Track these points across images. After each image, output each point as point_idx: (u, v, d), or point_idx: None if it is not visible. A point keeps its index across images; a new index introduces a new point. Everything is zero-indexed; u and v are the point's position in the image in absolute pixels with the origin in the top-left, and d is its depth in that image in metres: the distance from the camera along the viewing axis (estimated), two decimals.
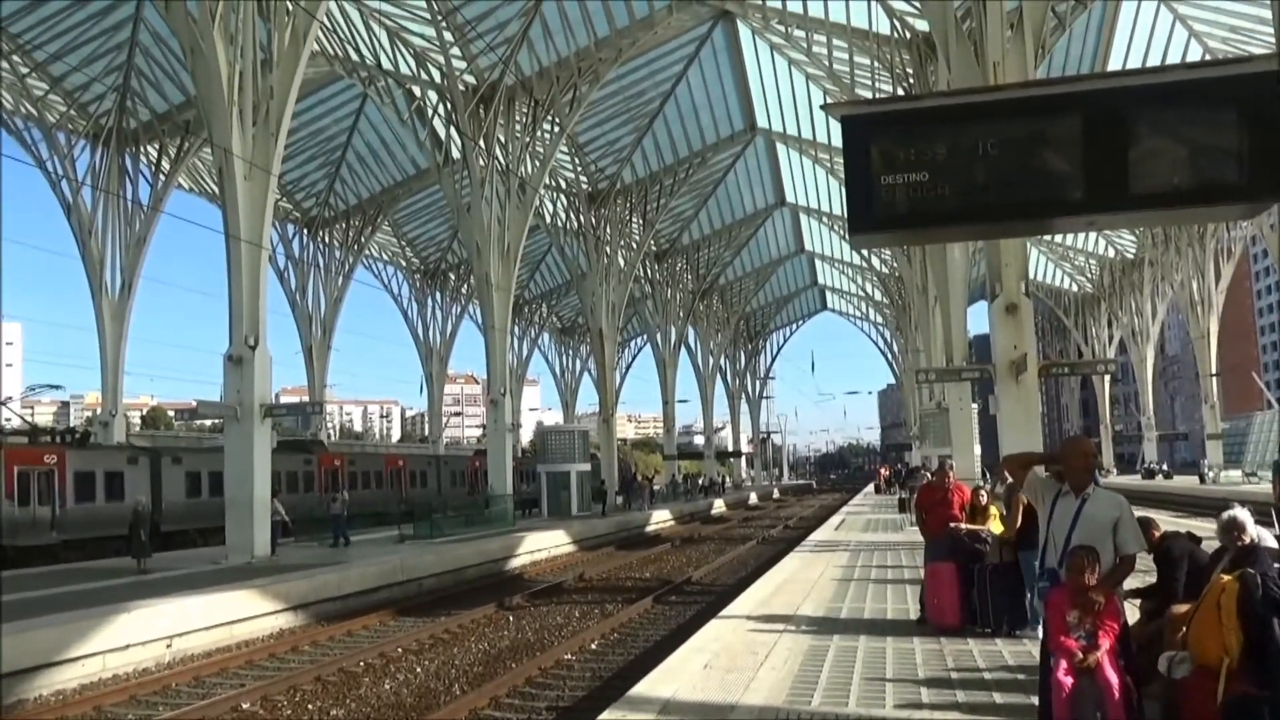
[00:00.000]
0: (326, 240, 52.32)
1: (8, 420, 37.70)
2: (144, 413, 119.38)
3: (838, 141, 4.38)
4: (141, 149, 39.61)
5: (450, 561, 23.30)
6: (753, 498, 72.35)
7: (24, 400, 42.62)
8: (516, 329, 69.87)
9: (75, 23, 33.68)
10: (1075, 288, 77.38)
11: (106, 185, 38.12)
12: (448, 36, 35.05)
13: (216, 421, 44.04)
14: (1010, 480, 9.10)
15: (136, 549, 21.17)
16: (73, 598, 15.95)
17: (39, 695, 12.23)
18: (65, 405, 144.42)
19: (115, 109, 38.07)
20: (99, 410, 42.21)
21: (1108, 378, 76.83)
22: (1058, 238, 63.61)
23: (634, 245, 54.03)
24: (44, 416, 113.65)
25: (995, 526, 10.54)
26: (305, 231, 51.60)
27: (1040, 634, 6.13)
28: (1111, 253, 70.42)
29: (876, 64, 34.46)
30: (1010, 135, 4.04)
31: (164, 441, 48.65)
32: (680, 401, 71.92)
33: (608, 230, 50.76)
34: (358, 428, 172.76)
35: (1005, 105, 4.15)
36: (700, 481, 69.01)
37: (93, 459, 29.17)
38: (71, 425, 50.36)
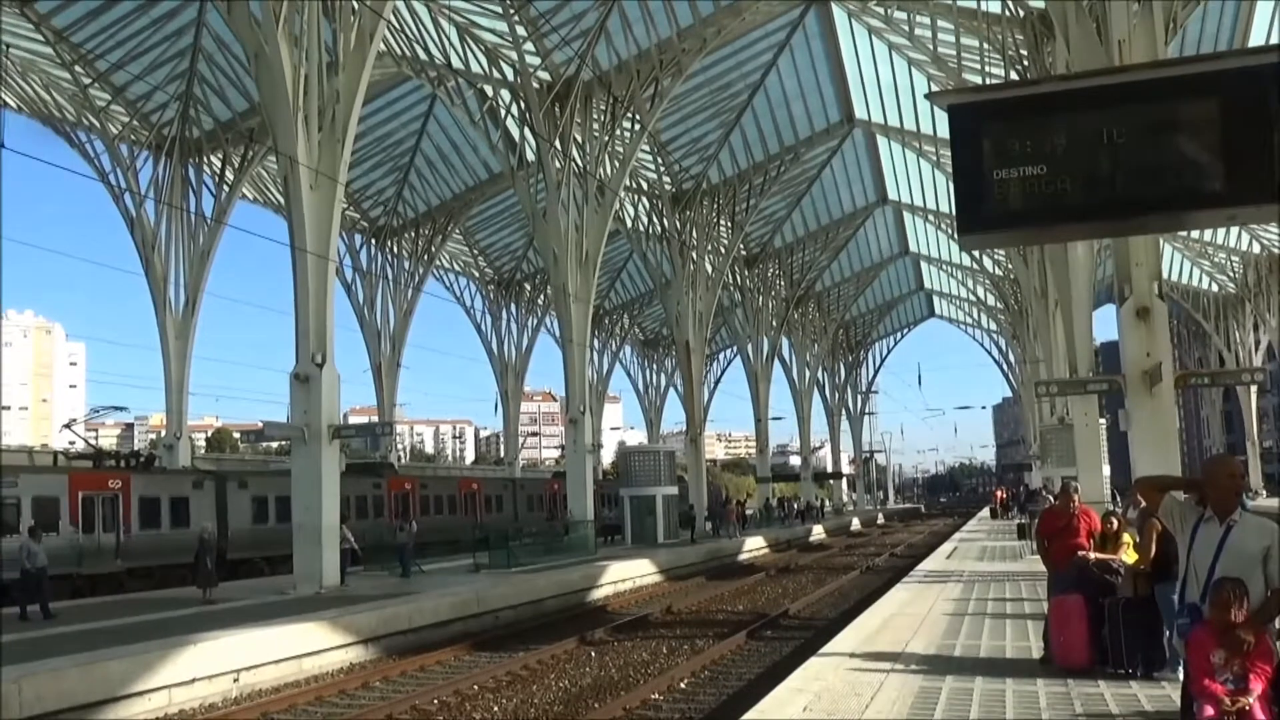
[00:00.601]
0: (395, 251, 53.36)
1: (71, 444, 39.16)
2: (209, 434, 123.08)
3: (944, 133, 4.33)
4: (205, 159, 40.97)
5: (528, 592, 23.46)
6: (855, 523, 71.53)
7: (88, 423, 44.10)
8: (596, 342, 70.26)
9: (137, 30, 34.93)
10: (1215, 288, 74.89)
11: (169, 198, 39.46)
12: (521, 31, 35.55)
13: (283, 444, 45.41)
14: (1144, 505, 8.83)
15: (202, 578, 21.77)
16: (138, 629, 16.46)
17: None
18: (129, 427, 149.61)
19: (178, 118, 39.44)
20: (163, 432, 43.65)
21: (1254, 388, 74.14)
22: (1194, 233, 61.69)
23: (722, 250, 53.99)
24: (108, 439, 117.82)
25: (1128, 556, 10.24)
26: (373, 242, 52.70)
27: (1180, 676, 5.92)
28: (1256, 248, 67.98)
29: (986, 46, 33.90)
30: (1139, 122, 3.93)
31: (229, 465, 50.10)
32: (774, 419, 71.63)
33: (693, 234, 50.81)
34: (429, 449, 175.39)
35: (1133, 88, 4.04)
36: (796, 505, 68.50)
37: (158, 484, 30.13)
38: (136, 448, 52.11)
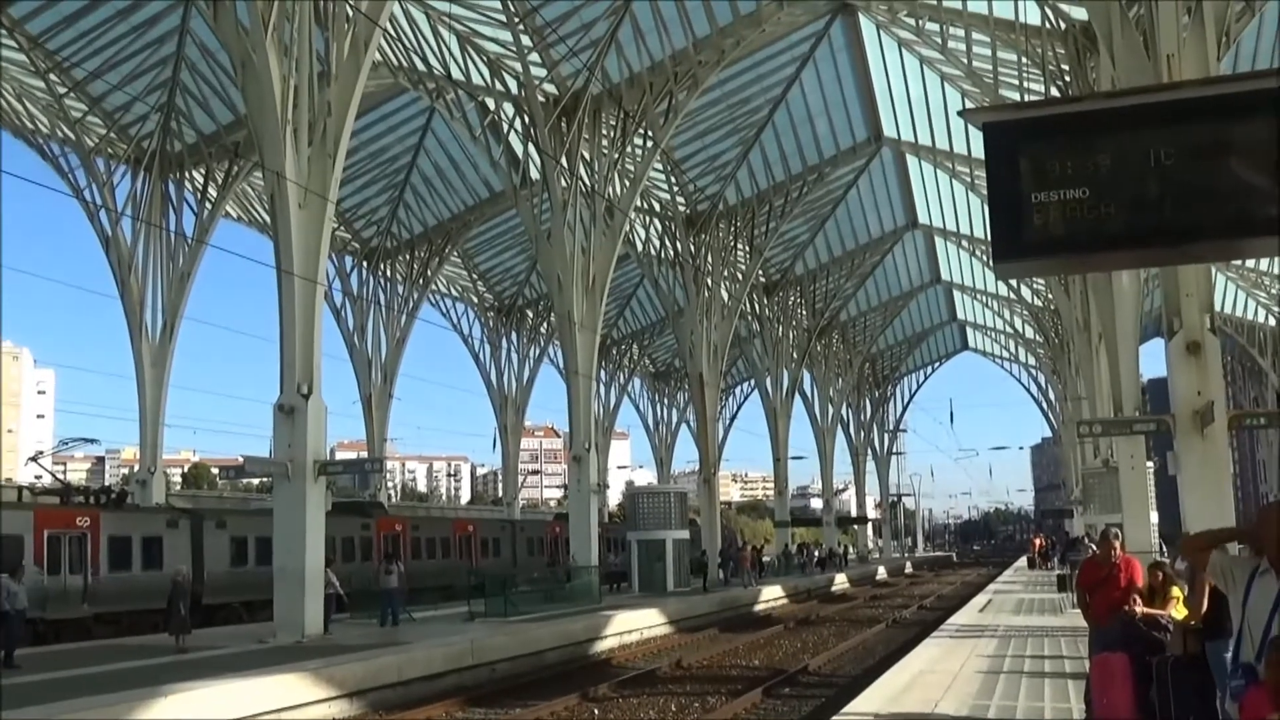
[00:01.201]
0: (388, 274, 53.57)
1: (38, 478, 39.28)
2: (185, 469, 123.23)
3: (979, 152, 4.35)
4: (186, 174, 41.25)
5: (527, 643, 23.39)
6: (881, 572, 71.20)
7: (56, 455, 44.23)
8: (603, 374, 70.31)
9: (116, 36, 35.23)
10: (1272, 321, 74.77)
11: (148, 215, 39.71)
12: (525, 41, 35.81)
13: (264, 480, 45.45)
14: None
15: (175, 625, 21.74)
16: (106, 678, 16.43)
17: None
18: (100, 461, 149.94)
19: (158, 130, 39.74)
20: (136, 467, 43.72)
21: None
22: (1249, 262, 61.65)
23: (739, 276, 54.10)
24: (77, 473, 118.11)
25: (1177, 611, 10.16)
26: (365, 264, 52.91)
27: None
28: None
29: (1025, 61, 34.06)
30: (1190, 142, 3.94)
31: (207, 502, 50.12)
32: (794, 458, 71.46)
33: (709, 259, 50.93)
34: (422, 488, 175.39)
35: (1183, 106, 4.05)
36: (818, 552, 68.20)
37: (129, 522, 30.15)
38: (107, 483, 52.16)
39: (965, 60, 35.91)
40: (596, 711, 17.32)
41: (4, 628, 19.11)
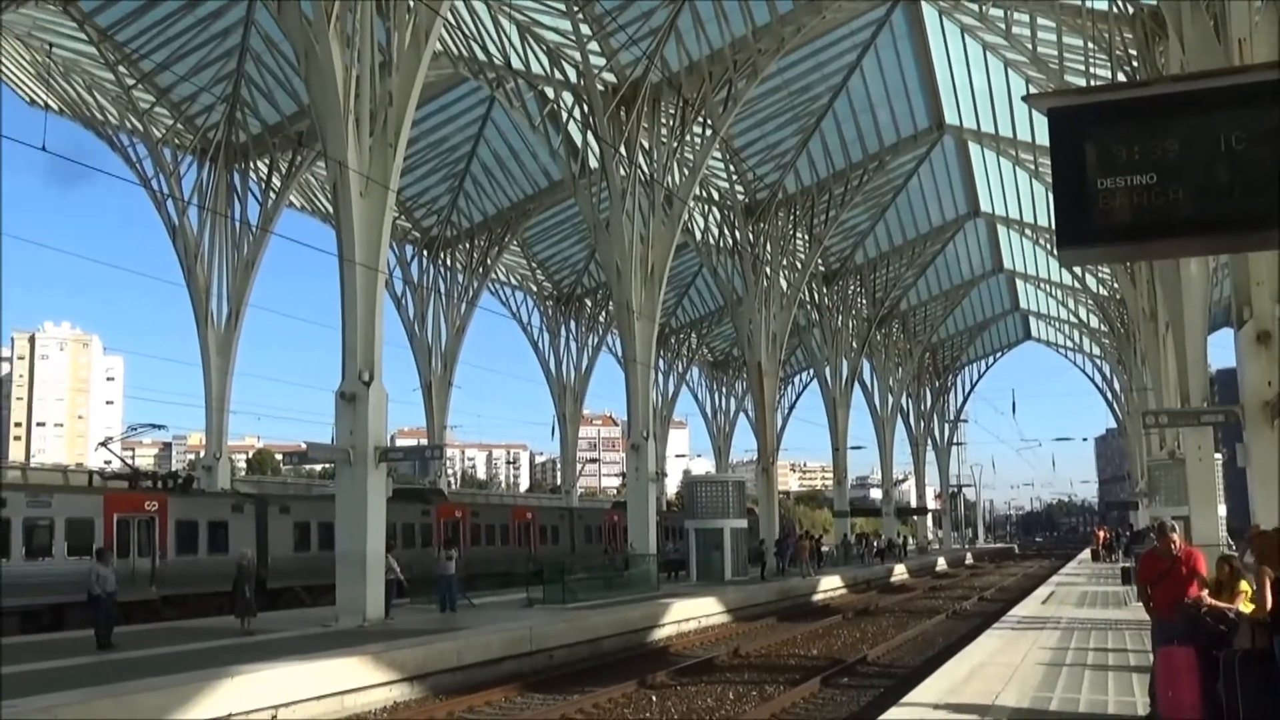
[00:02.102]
0: (449, 263, 53.98)
1: (107, 463, 40.10)
2: (250, 455, 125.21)
3: (1043, 139, 4.31)
4: (251, 164, 41.85)
5: (585, 630, 23.49)
6: (941, 563, 70.62)
7: (124, 441, 45.13)
8: (662, 363, 70.41)
9: (183, 29, 35.84)
10: None
11: (213, 204, 40.36)
12: (585, 30, 35.88)
13: (327, 467, 46.01)
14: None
15: (241, 607, 22.10)
16: (173, 659, 16.76)
17: None
18: (167, 447, 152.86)
19: (224, 121, 40.35)
20: (202, 453, 44.54)
21: None
22: None
23: (798, 265, 53.87)
24: (145, 459, 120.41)
25: (1245, 605, 10.00)
26: (425, 253, 53.37)
27: None
28: None
29: (1091, 46, 33.54)
30: (1260, 126, 3.88)
31: (271, 488, 50.88)
32: (853, 448, 71.08)
33: (768, 248, 50.75)
34: (481, 475, 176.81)
35: (1255, 90, 3.99)
36: (876, 543, 67.80)
37: (196, 507, 30.69)
38: (174, 469, 53.17)
39: (1030, 46, 35.45)
40: (654, 699, 17.36)
41: (97, 610, 19.55)
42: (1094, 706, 11.52)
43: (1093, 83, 33.05)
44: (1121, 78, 31.14)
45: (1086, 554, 62.67)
